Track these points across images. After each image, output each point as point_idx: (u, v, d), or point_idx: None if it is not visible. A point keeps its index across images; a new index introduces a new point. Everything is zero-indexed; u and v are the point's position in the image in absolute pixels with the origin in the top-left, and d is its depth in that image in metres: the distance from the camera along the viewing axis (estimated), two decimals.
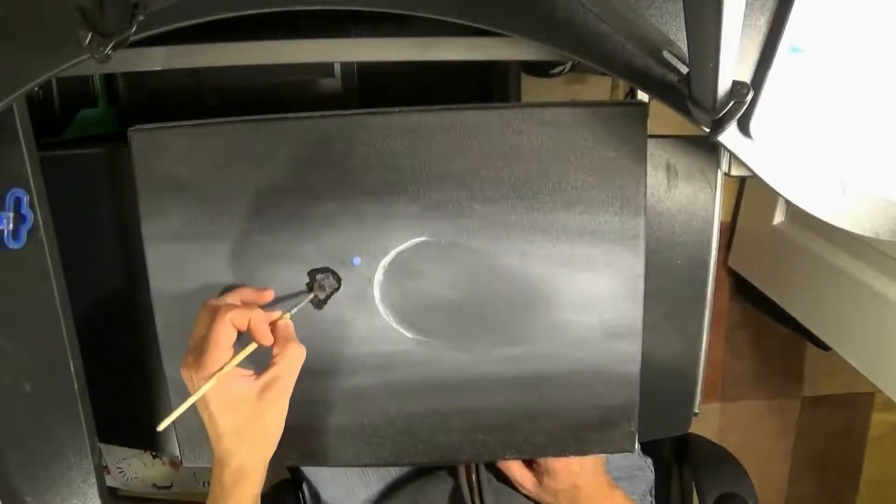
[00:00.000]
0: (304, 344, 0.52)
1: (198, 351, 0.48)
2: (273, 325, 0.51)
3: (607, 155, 0.54)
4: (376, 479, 0.72)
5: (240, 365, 0.49)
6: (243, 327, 0.49)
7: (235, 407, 0.48)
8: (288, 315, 0.52)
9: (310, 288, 0.55)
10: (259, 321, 0.49)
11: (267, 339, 0.49)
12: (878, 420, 1.62)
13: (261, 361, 0.50)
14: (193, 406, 0.49)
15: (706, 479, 0.77)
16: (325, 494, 0.74)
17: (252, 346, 0.49)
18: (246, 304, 0.51)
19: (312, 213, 0.55)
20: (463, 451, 0.60)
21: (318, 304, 0.57)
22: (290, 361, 0.49)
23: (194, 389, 0.48)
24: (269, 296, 0.53)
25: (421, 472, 0.72)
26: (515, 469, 0.65)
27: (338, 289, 0.57)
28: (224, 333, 0.47)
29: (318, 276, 0.55)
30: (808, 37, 0.46)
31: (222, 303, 0.50)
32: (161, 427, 0.48)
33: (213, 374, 0.47)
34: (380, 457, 0.60)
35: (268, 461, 0.52)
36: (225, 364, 0.47)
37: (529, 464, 0.65)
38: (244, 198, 0.55)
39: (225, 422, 0.48)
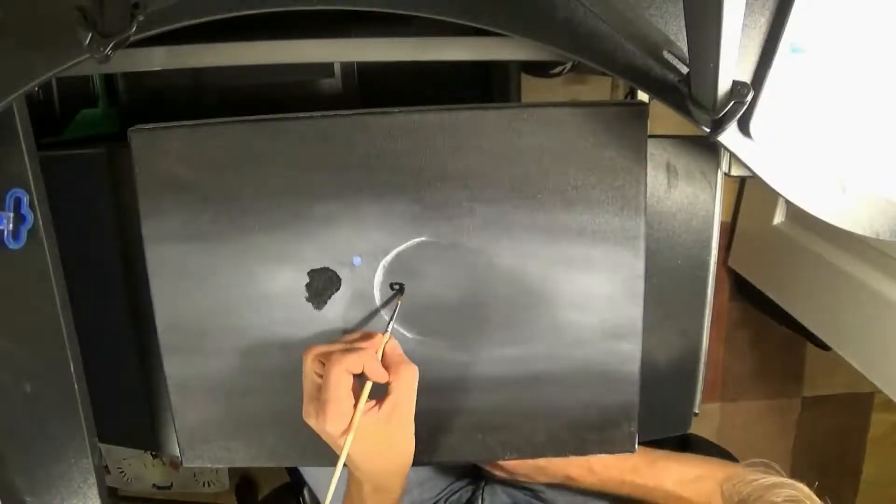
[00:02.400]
0: (305, 344, 0.52)
1: (317, 403, 0.48)
2: (382, 354, 0.52)
3: (607, 155, 0.54)
4: None
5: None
6: (358, 372, 0.49)
7: (367, 440, 0.49)
8: (388, 336, 0.53)
9: (397, 292, 0.55)
10: (372, 363, 0.49)
11: (383, 378, 0.50)
12: (878, 420, 1.62)
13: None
14: (195, 403, 0.49)
15: None
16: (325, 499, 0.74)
17: (369, 387, 0.49)
18: (352, 346, 0.51)
19: (312, 213, 0.55)
20: (463, 451, 0.60)
21: (319, 304, 0.57)
22: (406, 384, 0.50)
23: (326, 437, 0.49)
24: (380, 340, 0.52)
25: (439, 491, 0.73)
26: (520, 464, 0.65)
27: (338, 289, 0.57)
28: (342, 383, 0.47)
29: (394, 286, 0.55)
30: (808, 37, 0.46)
31: (330, 349, 0.50)
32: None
33: (347, 431, 0.47)
34: None
35: (405, 474, 0.54)
36: (353, 416, 0.48)
37: None
38: (244, 198, 0.55)
39: (360, 454, 0.50)
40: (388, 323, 0.54)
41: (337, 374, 0.47)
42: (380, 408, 0.49)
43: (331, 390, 0.47)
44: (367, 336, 0.53)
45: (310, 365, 0.50)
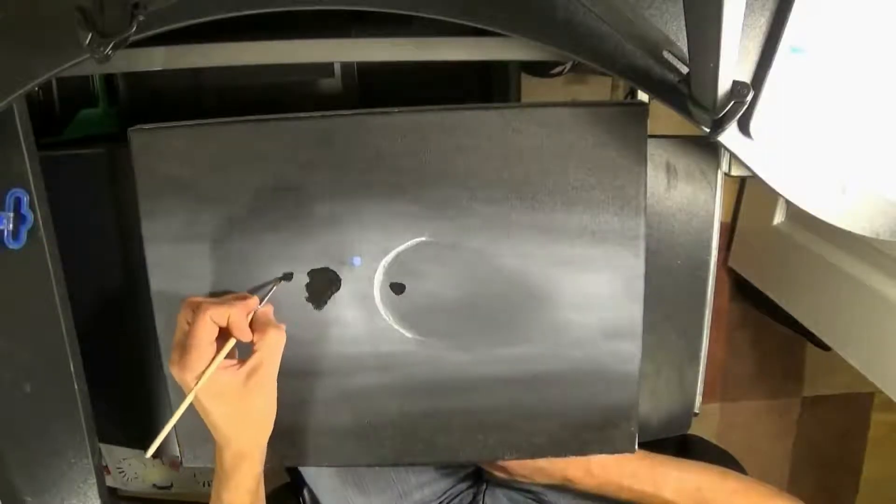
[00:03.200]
0: (305, 344, 0.52)
1: (182, 349, 0.49)
2: (252, 317, 0.52)
3: (607, 155, 0.54)
4: (375, 491, 0.72)
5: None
6: (223, 323, 0.50)
7: (224, 397, 0.50)
8: (262, 304, 0.53)
9: (280, 279, 0.56)
10: (238, 317, 0.50)
11: (246, 336, 0.51)
12: (878, 420, 1.62)
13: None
14: (194, 408, 0.51)
15: None
16: (324, 500, 0.74)
17: (232, 342, 0.51)
18: (225, 301, 0.52)
19: (312, 213, 0.55)
20: (463, 451, 0.60)
21: (319, 304, 0.57)
22: (271, 346, 0.51)
23: (183, 384, 0.50)
24: (254, 303, 0.53)
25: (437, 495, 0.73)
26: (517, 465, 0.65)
27: (338, 289, 0.57)
28: (206, 331, 0.49)
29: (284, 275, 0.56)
30: (808, 37, 0.46)
31: (202, 300, 0.51)
32: (151, 450, 0.51)
33: (200, 374, 0.49)
34: (380, 456, 0.60)
35: (265, 442, 0.55)
36: (209, 364, 0.49)
37: None
38: (244, 198, 0.55)
39: (217, 411, 0.51)
40: (263, 299, 0.54)
41: (202, 322, 0.48)
42: (240, 367, 0.50)
43: (194, 336, 0.48)
44: (243, 297, 0.53)
45: (182, 313, 0.51)
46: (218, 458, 0.54)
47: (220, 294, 0.56)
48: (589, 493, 0.64)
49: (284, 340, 0.52)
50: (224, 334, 0.51)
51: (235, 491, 0.54)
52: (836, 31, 0.46)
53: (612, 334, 0.57)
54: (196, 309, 0.50)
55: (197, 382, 0.49)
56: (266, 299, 0.54)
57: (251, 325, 0.52)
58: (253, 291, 0.56)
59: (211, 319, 0.49)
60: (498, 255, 0.56)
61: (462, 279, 0.56)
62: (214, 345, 0.50)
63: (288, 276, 0.56)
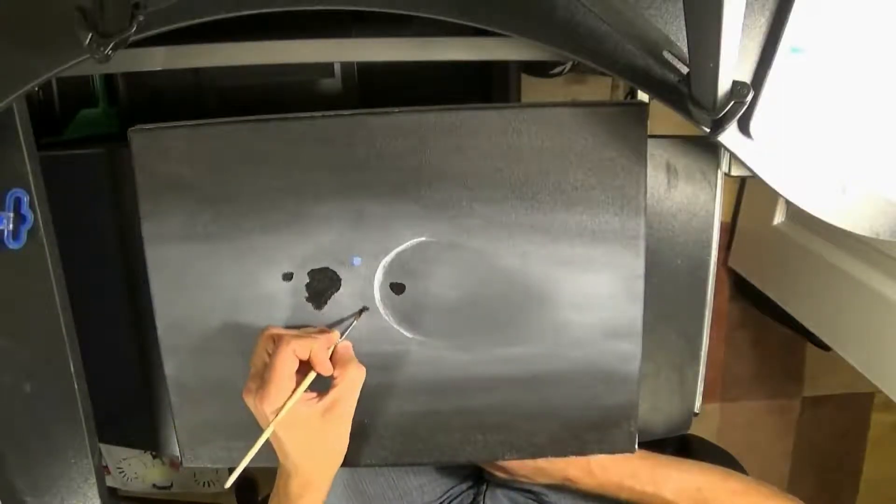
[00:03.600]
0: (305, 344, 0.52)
1: (261, 380, 0.49)
2: (333, 350, 0.53)
3: (607, 155, 0.54)
4: (375, 492, 0.72)
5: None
6: (305, 357, 0.50)
7: (300, 428, 0.50)
8: (342, 339, 0.54)
9: (356, 313, 0.57)
10: (319, 351, 0.50)
11: (327, 370, 0.51)
12: (878, 420, 1.62)
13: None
14: (195, 403, 0.51)
15: None
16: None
17: (312, 376, 0.50)
18: (307, 334, 0.52)
19: (312, 213, 0.55)
20: (463, 451, 0.60)
21: (319, 304, 0.57)
22: (350, 383, 0.51)
23: (259, 416, 0.50)
24: (335, 337, 0.53)
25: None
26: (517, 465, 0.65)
27: (338, 289, 0.57)
28: (287, 364, 0.49)
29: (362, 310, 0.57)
30: (808, 37, 0.46)
31: (284, 332, 0.51)
32: (229, 483, 0.51)
33: (280, 408, 0.48)
34: (380, 456, 0.60)
35: (333, 474, 0.55)
36: (289, 397, 0.49)
37: None
38: (244, 198, 0.55)
39: (290, 442, 0.51)
40: (344, 333, 0.55)
41: (284, 355, 0.48)
42: (319, 400, 0.50)
43: (275, 369, 0.48)
44: (324, 332, 0.54)
45: (262, 344, 0.51)
46: (282, 482, 0.54)
47: (306, 327, 0.56)
48: (589, 494, 0.64)
49: (364, 377, 0.52)
50: (303, 367, 0.51)
51: None
52: (836, 31, 0.46)
53: (612, 334, 0.57)
54: (278, 341, 0.49)
55: (276, 416, 0.48)
56: (346, 333, 0.55)
57: (331, 359, 0.52)
58: (333, 325, 0.56)
59: (294, 352, 0.49)
60: (498, 255, 0.56)
61: (462, 279, 0.56)
62: (294, 378, 0.49)
63: (365, 309, 0.57)
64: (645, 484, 0.61)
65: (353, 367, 0.52)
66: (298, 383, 0.50)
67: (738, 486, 0.61)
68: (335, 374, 0.51)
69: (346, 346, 0.54)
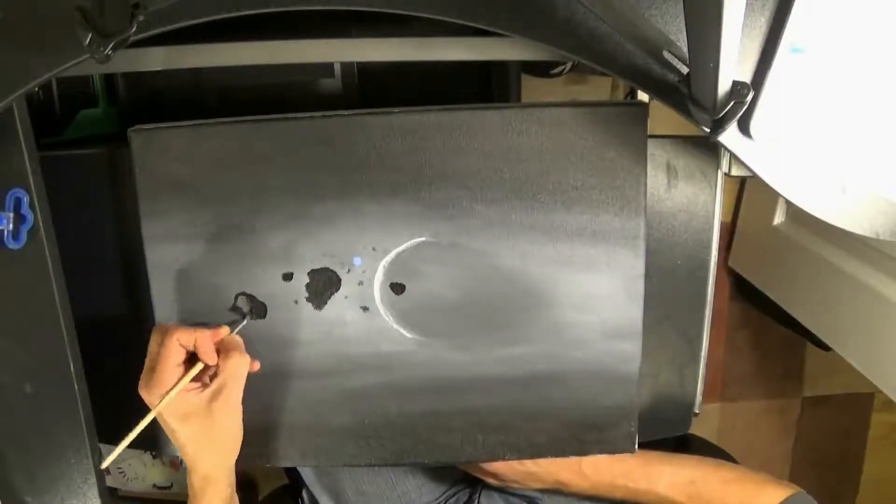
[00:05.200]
0: (305, 344, 0.52)
1: (149, 373, 0.51)
2: (219, 342, 0.54)
3: (607, 155, 0.54)
4: (374, 493, 0.72)
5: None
6: (190, 346, 0.52)
7: (189, 418, 0.52)
8: (230, 331, 0.55)
9: (243, 314, 0.57)
10: (204, 340, 0.52)
11: (211, 359, 0.52)
12: (878, 420, 1.62)
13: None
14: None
15: None
16: (322, 501, 0.74)
17: (199, 365, 0.52)
18: (195, 327, 0.53)
19: (312, 213, 0.55)
20: (463, 451, 0.60)
21: (319, 304, 0.57)
22: (233, 370, 0.52)
23: (151, 406, 0.51)
24: (224, 331, 0.55)
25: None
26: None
27: (338, 289, 0.57)
28: (172, 353, 0.51)
29: (240, 299, 0.57)
30: (808, 37, 0.46)
31: (171, 325, 0.53)
32: (106, 463, 0.54)
33: (166, 393, 0.50)
34: (380, 457, 0.60)
35: (232, 465, 0.55)
36: (175, 384, 0.50)
37: None
38: (244, 198, 0.55)
39: (182, 433, 0.52)
40: (237, 326, 0.55)
41: (169, 344, 0.50)
42: (204, 389, 0.52)
43: (161, 358, 0.50)
44: (215, 327, 0.55)
45: (152, 338, 0.52)
46: (188, 480, 0.55)
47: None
48: (583, 495, 0.64)
49: (248, 366, 0.53)
50: (193, 360, 0.52)
51: None
52: (836, 31, 0.46)
53: (612, 334, 0.57)
54: (164, 332, 0.51)
55: (160, 401, 0.50)
56: (235, 331, 0.56)
57: (218, 350, 0.53)
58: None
59: (178, 342, 0.51)
60: (498, 255, 0.56)
61: (462, 279, 0.56)
62: (182, 367, 0.51)
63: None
64: (638, 481, 0.61)
65: (236, 355, 0.52)
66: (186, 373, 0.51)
67: (730, 474, 0.61)
68: (219, 363, 0.52)
69: (232, 337, 0.55)
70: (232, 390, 0.52)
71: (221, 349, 0.53)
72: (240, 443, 0.55)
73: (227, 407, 0.52)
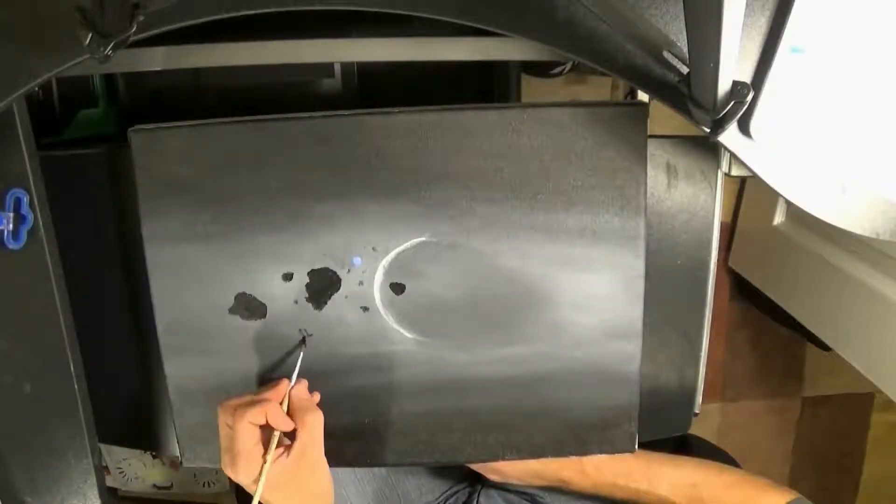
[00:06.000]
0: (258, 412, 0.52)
1: (231, 455, 0.51)
2: (289, 400, 0.53)
3: (607, 155, 0.54)
4: (374, 493, 0.72)
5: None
6: (262, 422, 0.51)
7: (279, 486, 0.51)
8: (292, 384, 0.54)
9: (301, 342, 0.57)
10: (275, 414, 0.51)
11: (287, 426, 0.52)
12: (878, 420, 1.62)
13: None
14: (195, 403, 0.53)
15: None
16: None
17: (276, 438, 0.51)
18: (259, 399, 0.52)
19: (312, 213, 0.55)
20: (463, 451, 0.60)
21: (319, 304, 0.57)
22: (311, 431, 0.52)
23: (241, 484, 0.51)
24: (285, 387, 0.54)
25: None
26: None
27: (338, 289, 0.57)
28: (248, 436, 0.50)
29: (304, 332, 0.57)
30: (808, 37, 0.46)
31: (237, 404, 0.52)
32: None
33: (257, 477, 0.50)
34: (380, 457, 0.60)
35: None
36: (261, 469, 0.50)
37: None
38: (244, 198, 0.55)
39: (276, 499, 0.52)
40: (295, 373, 0.55)
41: (242, 428, 0.50)
42: (287, 455, 0.51)
43: (238, 443, 0.50)
44: (275, 385, 0.54)
45: (222, 418, 0.52)
46: None
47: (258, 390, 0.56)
48: (584, 494, 0.64)
49: (322, 421, 0.53)
50: (267, 427, 0.51)
51: None
52: (836, 31, 0.46)
53: (612, 334, 0.57)
54: (232, 415, 0.50)
55: (256, 485, 0.50)
56: (296, 375, 0.55)
57: (289, 411, 0.53)
58: (278, 362, 0.57)
59: (249, 423, 0.50)
60: (498, 255, 0.56)
61: (462, 279, 0.56)
62: (260, 445, 0.51)
63: (307, 337, 0.57)
64: (640, 482, 0.61)
65: (310, 416, 0.52)
66: (266, 443, 0.51)
67: (732, 478, 0.61)
68: (297, 425, 0.52)
69: (298, 392, 0.55)
70: (315, 449, 0.52)
71: (292, 411, 0.53)
72: (332, 491, 0.55)
73: (314, 464, 0.52)
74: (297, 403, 0.53)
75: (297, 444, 0.51)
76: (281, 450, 0.51)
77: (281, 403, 0.53)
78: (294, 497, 0.53)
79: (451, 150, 0.54)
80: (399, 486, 0.73)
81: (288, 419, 0.52)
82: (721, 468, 0.62)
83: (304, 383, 0.56)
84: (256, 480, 0.50)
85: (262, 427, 0.51)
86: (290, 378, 0.55)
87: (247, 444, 0.50)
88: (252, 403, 0.51)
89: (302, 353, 0.56)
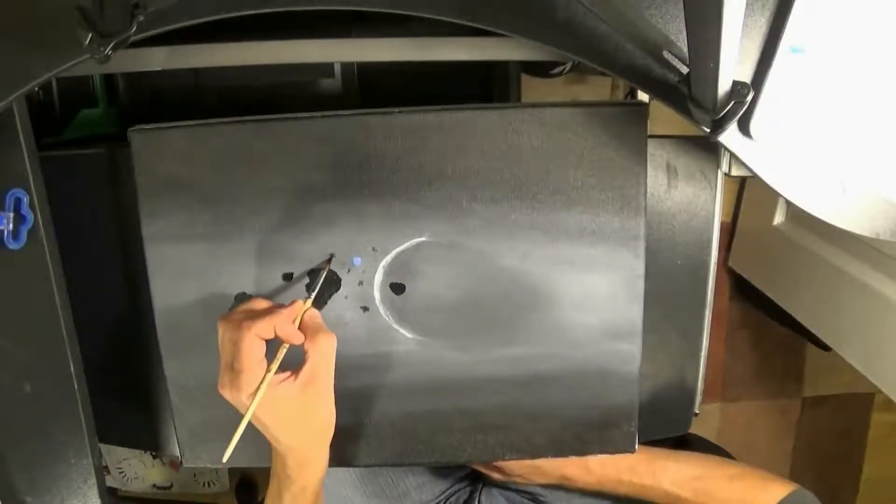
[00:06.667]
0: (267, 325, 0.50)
1: (232, 371, 0.47)
2: (300, 319, 0.50)
3: (607, 155, 0.54)
4: (374, 491, 0.72)
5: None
6: (270, 336, 0.48)
7: (283, 410, 0.48)
8: (309, 303, 0.51)
9: (327, 261, 0.54)
10: (285, 325, 0.48)
11: (298, 339, 0.49)
12: (878, 420, 1.62)
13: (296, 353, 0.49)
14: (195, 403, 0.50)
15: None
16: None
17: (283, 351, 0.48)
18: (264, 310, 0.49)
19: (313, 213, 0.55)
20: (463, 452, 0.60)
21: (319, 304, 0.57)
22: (323, 353, 0.49)
23: (239, 406, 0.48)
24: (300, 307, 0.51)
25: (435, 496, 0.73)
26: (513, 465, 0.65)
27: (338, 289, 0.57)
28: (253, 349, 0.46)
29: (312, 272, 0.54)
30: (808, 37, 0.46)
31: (241, 316, 0.48)
32: (226, 457, 0.47)
33: (255, 392, 0.46)
34: (381, 457, 0.60)
35: (328, 444, 0.53)
36: (262, 380, 0.47)
37: None
38: (244, 198, 0.55)
39: (277, 425, 0.49)
40: (312, 291, 0.52)
41: (248, 341, 0.46)
42: (296, 377, 0.48)
43: (242, 357, 0.46)
44: (289, 304, 0.50)
45: (223, 333, 0.48)
46: (278, 467, 0.52)
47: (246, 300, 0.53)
48: (587, 491, 0.64)
49: (335, 344, 0.50)
50: (271, 343, 0.48)
51: (302, 494, 0.53)
52: (836, 31, 0.46)
53: (612, 334, 0.57)
54: (238, 327, 0.46)
55: (251, 401, 0.46)
56: (314, 294, 0.52)
57: (300, 327, 0.50)
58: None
59: (257, 335, 0.47)
60: (498, 255, 0.56)
61: (462, 279, 0.56)
62: (264, 361, 0.47)
63: (327, 261, 0.54)
64: (644, 477, 0.61)
65: (322, 338, 0.49)
66: (270, 363, 0.47)
67: (734, 471, 0.62)
68: (306, 347, 0.49)
69: (312, 315, 0.51)
70: (325, 375, 0.49)
71: (304, 329, 0.49)
72: (333, 420, 0.52)
73: (322, 392, 0.49)
74: (311, 324, 0.50)
75: (306, 367, 0.48)
76: (288, 373, 0.48)
77: (293, 322, 0.49)
78: (295, 424, 0.50)
79: (451, 150, 0.54)
80: (399, 484, 0.73)
81: (298, 332, 0.48)
82: (723, 461, 0.63)
83: (318, 313, 0.52)
84: (254, 394, 0.46)
85: (267, 342, 0.47)
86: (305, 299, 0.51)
87: (251, 358, 0.46)
88: (260, 314, 0.47)
89: (321, 280, 0.53)
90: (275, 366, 0.47)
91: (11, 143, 0.52)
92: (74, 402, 0.56)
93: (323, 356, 0.49)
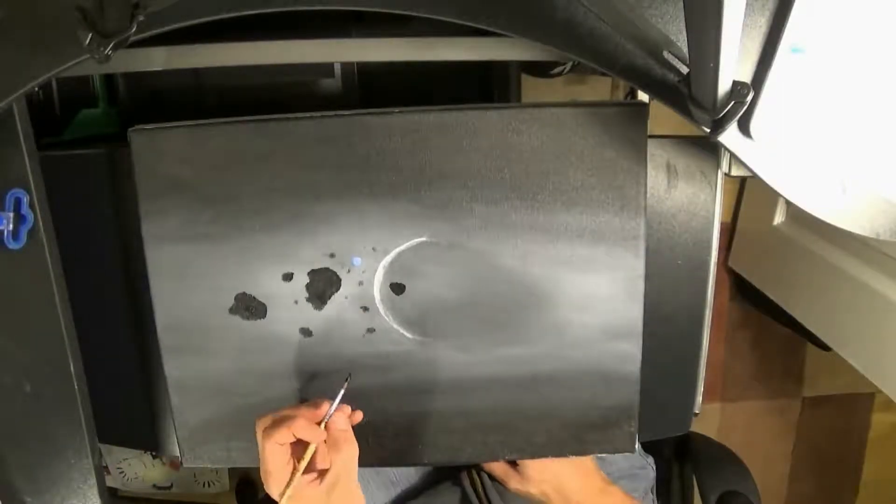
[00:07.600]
0: (305, 344, 0.52)
1: (263, 471, 0.51)
2: (326, 426, 0.53)
3: (607, 155, 0.54)
4: (377, 487, 0.72)
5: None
6: (290, 440, 0.50)
7: None
8: (331, 410, 0.53)
9: (346, 379, 0.56)
10: (303, 430, 0.50)
11: (316, 437, 0.51)
12: (878, 420, 1.62)
13: None
14: (195, 403, 0.52)
15: (708, 477, 0.77)
16: None
17: (311, 451, 0.51)
18: (283, 417, 0.51)
19: (313, 213, 0.55)
20: (463, 452, 0.60)
21: (319, 304, 0.57)
22: (345, 462, 0.52)
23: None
24: (324, 410, 0.53)
25: (426, 483, 0.72)
26: (497, 468, 0.65)
27: (338, 289, 0.57)
28: (275, 455, 0.50)
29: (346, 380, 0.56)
30: (809, 37, 0.46)
31: (267, 423, 0.51)
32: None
33: (284, 492, 0.50)
34: (381, 457, 0.60)
35: None
36: (287, 485, 0.50)
37: (513, 463, 0.65)
38: (244, 198, 0.55)
39: None
40: (332, 404, 0.53)
41: (269, 448, 0.50)
42: (321, 481, 0.51)
43: (267, 463, 0.50)
44: (316, 405, 0.53)
45: (257, 433, 0.51)
46: None
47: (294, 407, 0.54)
48: None
49: (357, 453, 0.53)
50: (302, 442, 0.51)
51: None
52: (836, 31, 0.46)
53: (612, 334, 0.57)
54: (262, 436, 0.50)
55: (282, 499, 0.50)
56: (337, 402, 0.54)
57: (328, 429, 0.52)
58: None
59: (276, 444, 0.50)
60: (498, 255, 0.56)
61: (462, 279, 0.56)
62: (291, 463, 0.51)
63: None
64: None
65: (345, 447, 0.52)
66: (299, 457, 0.51)
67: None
68: (331, 451, 0.52)
69: (337, 420, 0.53)
70: (348, 480, 0.52)
71: (329, 434, 0.52)
72: None
73: (346, 495, 0.52)
74: (335, 433, 0.53)
75: (330, 473, 0.51)
76: (314, 475, 0.51)
77: (319, 424, 0.52)
78: None
79: (451, 150, 0.54)
80: (400, 484, 0.73)
81: (317, 429, 0.51)
82: None
83: (346, 409, 0.55)
84: (282, 495, 0.50)
85: (295, 445, 0.51)
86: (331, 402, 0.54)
87: (275, 464, 0.50)
88: (280, 421, 0.50)
89: (343, 391, 0.54)
90: (302, 465, 0.51)
91: (11, 143, 0.52)
92: (74, 402, 0.56)
93: (345, 465, 0.52)
